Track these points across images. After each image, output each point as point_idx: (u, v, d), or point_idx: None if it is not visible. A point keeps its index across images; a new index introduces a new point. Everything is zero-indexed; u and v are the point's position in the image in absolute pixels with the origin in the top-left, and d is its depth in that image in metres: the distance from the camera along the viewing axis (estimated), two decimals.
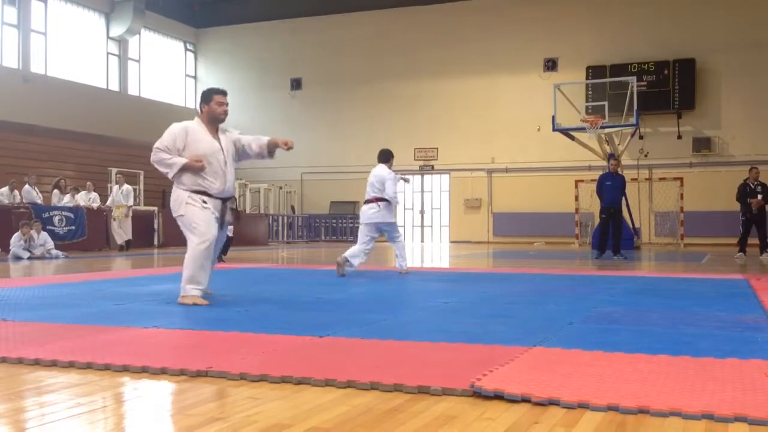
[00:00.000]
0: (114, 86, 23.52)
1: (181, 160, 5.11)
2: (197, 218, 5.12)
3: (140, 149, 23.23)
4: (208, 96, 5.31)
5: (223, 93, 5.33)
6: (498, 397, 2.46)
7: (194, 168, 5.12)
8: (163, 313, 4.72)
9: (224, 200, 5.29)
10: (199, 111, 5.37)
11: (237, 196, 23.13)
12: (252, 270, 9.36)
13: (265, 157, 5.46)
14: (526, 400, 2.42)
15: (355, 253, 8.09)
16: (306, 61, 25.33)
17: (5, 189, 14.97)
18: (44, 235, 13.17)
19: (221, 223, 5.29)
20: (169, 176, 5.22)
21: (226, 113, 5.31)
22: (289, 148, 5.37)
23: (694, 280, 7.48)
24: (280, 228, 23.54)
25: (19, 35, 20.21)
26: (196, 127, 5.26)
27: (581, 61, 22.12)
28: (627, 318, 4.45)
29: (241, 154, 5.44)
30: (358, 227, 8.76)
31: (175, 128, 5.23)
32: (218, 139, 5.28)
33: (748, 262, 11.40)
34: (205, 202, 5.15)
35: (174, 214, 5.29)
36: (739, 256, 12.51)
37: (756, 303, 5.23)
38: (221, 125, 5.38)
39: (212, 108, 5.27)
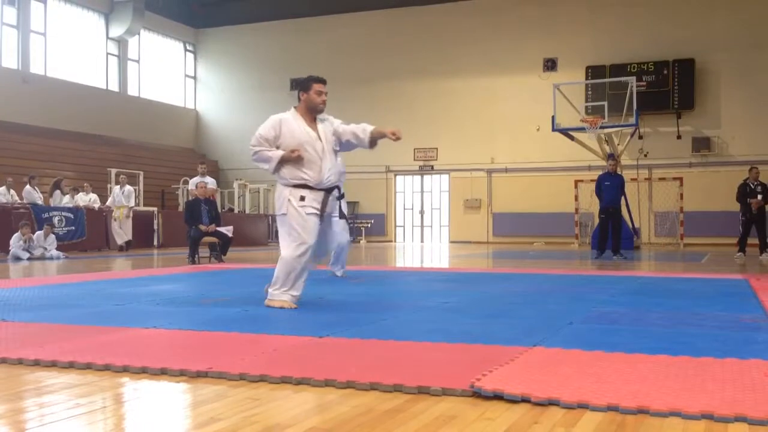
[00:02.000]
0: (113, 87, 23.52)
1: (278, 153, 4.96)
2: (296, 221, 4.94)
3: (140, 149, 23.32)
4: (306, 84, 5.11)
5: (323, 81, 5.14)
6: (498, 397, 2.46)
7: (291, 159, 4.94)
8: (163, 313, 4.72)
9: (327, 191, 5.07)
10: (298, 101, 5.16)
11: (237, 196, 23.40)
12: (252, 270, 9.36)
13: (366, 146, 5.24)
14: (525, 400, 2.42)
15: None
16: (305, 61, 25.26)
17: (2, 188, 14.94)
18: (51, 237, 13.21)
19: (321, 216, 5.04)
20: (270, 171, 5.06)
21: (325, 102, 5.12)
22: (397, 139, 5.16)
23: (694, 280, 7.48)
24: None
25: (19, 36, 20.21)
26: (290, 117, 5.09)
27: (581, 61, 22.12)
28: (627, 318, 4.44)
29: (343, 143, 5.22)
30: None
31: (271, 119, 5.08)
32: (315, 128, 5.09)
33: (747, 262, 11.40)
34: (303, 198, 4.95)
35: (276, 212, 5.15)
36: (738, 256, 12.52)
37: (756, 303, 5.23)
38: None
39: (311, 97, 5.07)
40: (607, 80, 20.32)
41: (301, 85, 5.15)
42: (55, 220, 14.66)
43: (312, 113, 5.11)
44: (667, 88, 21.19)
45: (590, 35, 22.20)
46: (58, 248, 13.39)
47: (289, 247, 4.95)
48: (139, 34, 24.00)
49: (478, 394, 2.49)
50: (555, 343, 3.44)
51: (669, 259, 13.08)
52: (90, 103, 22.03)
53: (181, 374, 2.87)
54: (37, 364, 3.08)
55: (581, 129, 17.57)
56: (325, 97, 5.12)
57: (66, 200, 15.95)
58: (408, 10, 24.23)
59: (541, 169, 22.40)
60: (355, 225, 22.90)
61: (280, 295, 4.95)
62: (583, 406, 2.35)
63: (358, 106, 24.52)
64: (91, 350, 3.29)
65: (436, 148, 23.88)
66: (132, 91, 24.22)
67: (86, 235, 15.49)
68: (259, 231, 21.26)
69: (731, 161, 20.61)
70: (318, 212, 4.99)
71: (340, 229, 7.30)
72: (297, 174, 4.98)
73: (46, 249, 12.95)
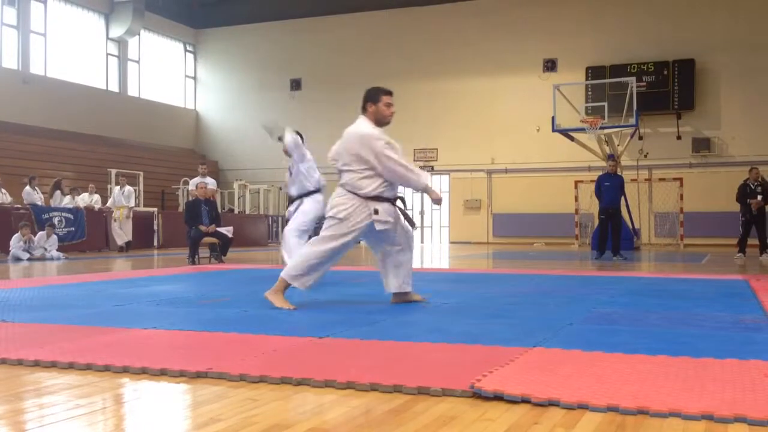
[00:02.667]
0: (113, 87, 23.52)
1: (427, 176, 4.99)
2: (345, 235, 4.89)
3: (140, 150, 23.32)
4: (375, 96, 5.04)
5: (391, 93, 5.09)
6: (498, 397, 2.46)
7: (434, 196, 5.06)
8: (163, 314, 4.71)
9: (393, 201, 5.05)
10: (362, 111, 5.10)
11: (238, 196, 23.39)
12: (251, 271, 9.36)
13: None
14: (525, 400, 2.42)
15: None
16: (305, 62, 25.32)
17: None
18: (53, 238, 13.21)
19: (395, 228, 5.03)
20: (417, 188, 5.06)
21: (392, 114, 5.08)
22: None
23: (694, 281, 7.47)
24: (279, 229, 23.52)
25: (19, 36, 20.21)
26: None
27: (581, 61, 22.11)
28: (626, 318, 4.44)
29: None
30: None
31: (374, 129, 4.97)
32: None
33: (747, 263, 11.40)
34: (377, 212, 4.88)
35: (329, 212, 5.00)
36: (738, 257, 12.51)
37: (755, 303, 5.23)
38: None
39: (381, 109, 5.01)
40: (607, 81, 20.31)
41: (370, 96, 5.08)
42: (55, 220, 14.65)
43: (379, 125, 5.05)
44: (667, 89, 21.18)
45: (590, 36, 22.19)
46: (58, 249, 13.39)
47: (319, 244, 4.97)
48: (139, 34, 23.99)
49: (478, 395, 2.49)
50: (555, 344, 3.45)
51: (669, 259, 13.07)
52: (90, 103, 22.03)
53: (180, 375, 2.87)
54: (37, 364, 3.08)
55: (581, 129, 17.57)
56: (393, 109, 5.08)
57: (66, 201, 15.95)
58: (408, 11, 24.22)
59: (541, 170, 22.40)
60: None
61: (292, 279, 4.97)
62: (583, 407, 2.35)
63: (358, 106, 24.49)
64: (91, 351, 3.29)
65: (436, 149, 23.88)
66: (132, 91, 24.21)
67: (86, 236, 15.49)
68: (259, 231, 21.27)
69: (731, 162, 20.60)
70: (392, 224, 4.96)
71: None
72: (377, 186, 4.91)
73: (46, 250, 12.95)
